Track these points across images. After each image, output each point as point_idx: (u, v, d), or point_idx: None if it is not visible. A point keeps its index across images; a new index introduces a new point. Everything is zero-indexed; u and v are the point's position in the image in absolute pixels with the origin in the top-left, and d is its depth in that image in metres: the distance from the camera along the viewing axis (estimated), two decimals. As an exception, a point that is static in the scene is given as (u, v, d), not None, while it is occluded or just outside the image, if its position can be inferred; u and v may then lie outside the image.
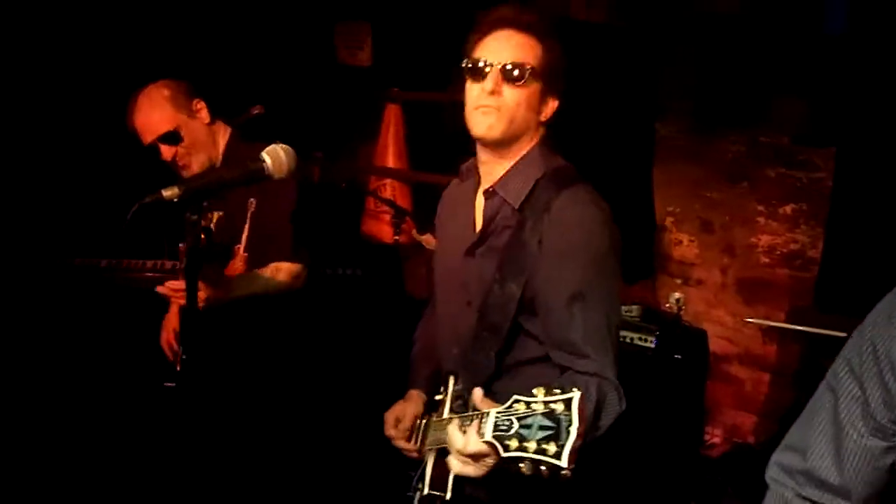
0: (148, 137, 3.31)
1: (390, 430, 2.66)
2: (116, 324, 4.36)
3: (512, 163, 2.38)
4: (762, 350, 4.88)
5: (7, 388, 4.32)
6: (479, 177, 2.49)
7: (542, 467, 1.70)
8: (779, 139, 4.77)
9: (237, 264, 3.30)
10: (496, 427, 1.80)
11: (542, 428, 1.74)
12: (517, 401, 1.80)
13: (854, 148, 4.47)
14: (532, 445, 1.72)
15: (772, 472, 1.75)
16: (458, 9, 4.52)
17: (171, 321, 3.56)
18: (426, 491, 2.39)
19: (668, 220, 5.17)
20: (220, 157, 3.46)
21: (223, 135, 3.49)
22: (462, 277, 2.46)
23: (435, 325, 2.69)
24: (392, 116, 5.31)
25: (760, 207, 4.86)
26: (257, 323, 3.41)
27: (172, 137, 3.31)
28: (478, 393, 2.05)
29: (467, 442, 1.91)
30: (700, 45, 4.80)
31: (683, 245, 5.15)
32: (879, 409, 1.53)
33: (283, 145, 2.13)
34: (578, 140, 4.27)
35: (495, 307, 2.31)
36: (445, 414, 2.43)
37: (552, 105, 2.37)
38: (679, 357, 4.06)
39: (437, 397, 2.51)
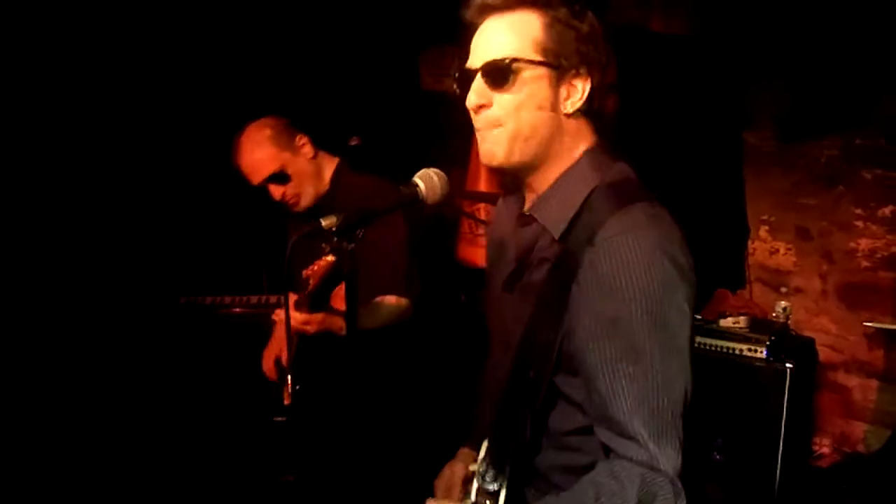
0: (256, 179, 3.43)
1: (439, 496, 2.34)
2: (224, 359, 4.48)
3: (555, 175, 1.96)
4: (868, 356, 4.88)
5: (122, 426, 4.47)
6: (523, 194, 2.10)
7: None
8: (874, 140, 4.79)
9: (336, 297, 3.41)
10: None
11: None
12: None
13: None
14: None
15: None
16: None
17: (275, 348, 3.64)
18: None
19: (763, 229, 5.20)
20: (327, 188, 3.56)
21: (329, 166, 3.60)
22: (502, 315, 2.13)
23: (488, 374, 2.36)
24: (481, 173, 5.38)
25: (858, 211, 4.87)
26: (367, 352, 3.52)
27: (280, 177, 3.41)
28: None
29: None
30: (785, 50, 4.84)
31: (780, 253, 5.17)
32: None
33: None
34: (664, 155, 4.37)
35: (529, 360, 1.90)
36: (472, 497, 2.05)
37: (580, 88, 1.91)
38: (791, 366, 4.05)
39: (472, 468, 2.13)
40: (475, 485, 2.02)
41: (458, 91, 1.95)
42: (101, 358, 4.50)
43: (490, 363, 2.32)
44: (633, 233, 1.78)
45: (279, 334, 3.64)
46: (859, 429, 4.93)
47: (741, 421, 4.17)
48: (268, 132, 3.47)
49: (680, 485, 1.75)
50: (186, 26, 4.72)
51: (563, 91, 1.90)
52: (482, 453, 2.04)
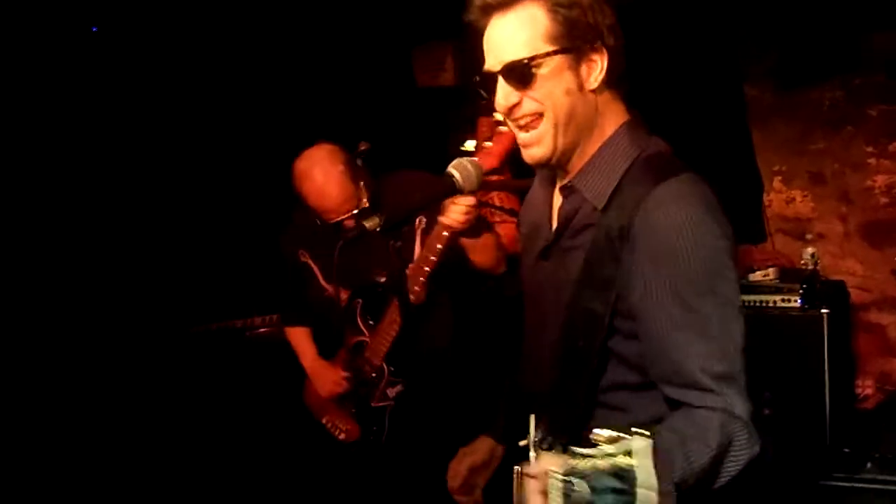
0: (333, 217, 3.52)
1: (450, 483, 2.52)
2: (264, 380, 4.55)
3: (592, 151, 2.02)
4: (899, 291, 4.92)
5: (151, 455, 4.53)
6: (556, 174, 2.15)
7: None
8: (874, 77, 4.84)
9: (415, 285, 3.44)
10: (567, 498, 1.43)
11: (614, 491, 1.38)
12: (577, 455, 1.44)
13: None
14: None
15: None
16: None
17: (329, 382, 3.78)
18: None
19: (777, 180, 5.25)
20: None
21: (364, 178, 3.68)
22: (537, 287, 2.19)
23: (523, 356, 2.36)
24: (486, 128, 5.42)
25: (869, 149, 4.93)
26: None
27: (363, 213, 3.45)
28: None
29: None
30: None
31: (797, 202, 5.21)
32: None
33: (469, 158, 2.21)
34: (667, 116, 4.40)
35: (578, 329, 1.97)
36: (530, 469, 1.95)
37: (599, 63, 1.96)
38: (827, 311, 4.09)
39: (522, 443, 1.96)
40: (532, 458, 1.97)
41: (485, 95, 2.00)
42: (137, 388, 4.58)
43: (526, 334, 2.33)
44: (681, 201, 1.87)
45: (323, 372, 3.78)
46: (899, 365, 4.98)
47: (784, 372, 4.19)
48: (340, 168, 3.56)
49: (754, 429, 1.83)
50: (184, 35, 4.79)
51: (584, 69, 1.95)
52: (532, 427, 1.94)
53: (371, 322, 3.66)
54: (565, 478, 1.41)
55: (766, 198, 5.26)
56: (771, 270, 4.43)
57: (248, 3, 4.85)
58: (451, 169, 2.17)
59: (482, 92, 2.01)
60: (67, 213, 4.64)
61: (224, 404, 4.74)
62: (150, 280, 4.88)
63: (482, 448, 2.52)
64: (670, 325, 1.85)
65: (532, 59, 1.89)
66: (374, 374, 3.64)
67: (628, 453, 1.37)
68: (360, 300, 3.68)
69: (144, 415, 4.67)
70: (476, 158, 2.23)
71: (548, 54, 1.90)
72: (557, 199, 2.13)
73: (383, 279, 3.54)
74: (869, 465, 3.75)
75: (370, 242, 3.31)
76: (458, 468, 2.53)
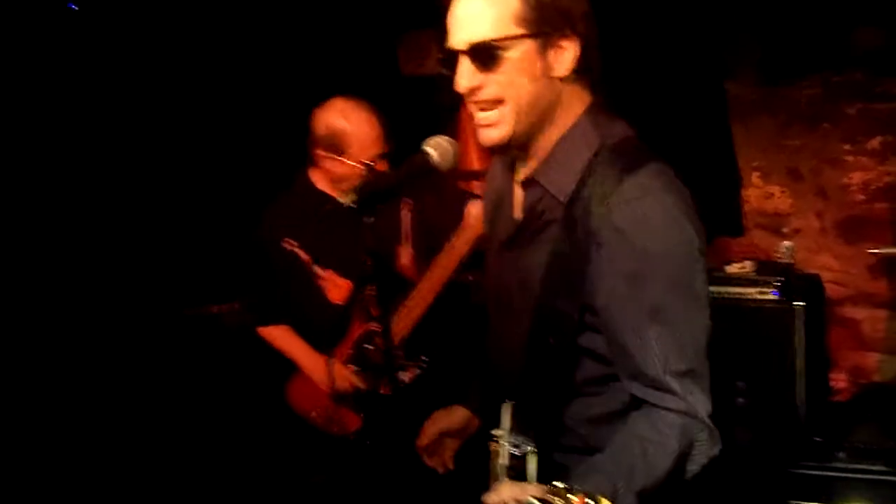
0: (372, 152, 3.46)
1: (418, 440, 2.58)
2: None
3: (554, 139, 1.99)
4: (873, 287, 5.03)
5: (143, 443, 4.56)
6: (518, 157, 2.11)
7: None
8: (852, 75, 4.92)
9: (404, 262, 3.48)
10: None
11: None
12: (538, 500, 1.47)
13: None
14: None
15: None
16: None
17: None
18: None
19: (755, 175, 5.33)
20: None
21: None
22: (503, 278, 2.16)
23: (489, 338, 2.36)
24: (468, 117, 5.44)
25: (846, 146, 5.01)
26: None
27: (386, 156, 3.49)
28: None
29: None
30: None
31: (775, 197, 5.29)
32: None
33: (444, 136, 2.15)
34: (648, 111, 4.48)
35: (548, 327, 1.95)
36: (502, 461, 2.00)
37: (570, 50, 1.91)
38: (802, 304, 4.18)
39: (495, 432, 2.11)
40: (502, 452, 2.02)
41: (445, 72, 1.95)
42: (122, 376, 4.61)
43: (491, 324, 2.32)
44: (651, 195, 1.86)
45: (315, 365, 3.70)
46: (872, 359, 5.07)
47: (759, 364, 4.29)
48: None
49: (715, 429, 1.88)
50: (164, 24, 4.84)
51: (551, 56, 1.90)
52: (504, 420, 2.06)
53: (386, 308, 3.63)
54: None
55: (744, 193, 5.34)
56: (748, 263, 4.52)
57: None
58: (426, 147, 2.12)
59: (443, 70, 1.96)
60: (55, 202, 4.66)
61: (210, 392, 4.76)
62: (135, 265, 4.90)
63: (457, 415, 2.54)
64: (636, 321, 1.86)
65: (500, 40, 1.84)
66: (385, 362, 3.61)
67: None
68: (375, 285, 3.62)
69: (133, 402, 4.69)
70: (449, 137, 2.16)
71: (517, 37, 1.85)
72: (518, 188, 2.11)
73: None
74: (841, 454, 3.83)
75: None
76: (430, 429, 2.57)
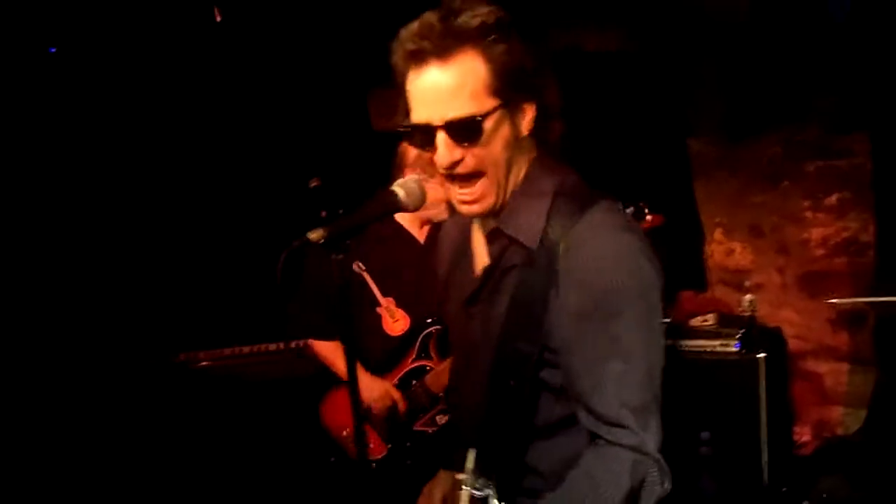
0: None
1: None
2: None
3: (510, 191, 2.02)
4: (834, 341, 5.12)
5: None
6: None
7: None
8: (811, 134, 5.08)
9: (394, 322, 3.53)
10: None
11: None
12: None
13: (885, 128, 4.79)
14: None
15: None
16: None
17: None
18: None
19: (718, 232, 5.45)
20: None
21: None
22: (465, 332, 2.19)
23: (456, 389, 2.39)
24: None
25: (806, 203, 5.15)
26: None
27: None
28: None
29: None
30: (717, 57, 5.13)
31: (737, 253, 5.41)
32: None
33: (413, 176, 2.13)
34: (612, 171, 4.60)
35: (508, 368, 1.98)
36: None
37: (529, 112, 1.97)
38: (764, 355, 4.26)
39: (458, 476, 2.13)
40: (464, 496, 2.05)
41: (419, 146, 1.96)
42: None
43: (455, 378, 2.38)
44: (603, 233, 1.92)
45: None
46: (836, 412, 5.14)
47: (723, 415, 4.36)
48: None
49: (665, 464, 1.89)
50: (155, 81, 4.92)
51: (518, 119, 1.96)
52: (469, 462, 2.08)
53: (441, 351, 3.72)
54: None
55: (707, 248, 5.46)
56: (710, 316, 4.61)
57: (209, 48, 4.99)
58: (395, 187, 2.10)
59: (416, 144, 1.97)
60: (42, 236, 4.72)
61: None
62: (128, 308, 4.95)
63: (447, 478, 2.45)
64: (590, 361, 1.89)
65: (481, 116, 1.87)
66: (428, 401, 3.71)
67: None
68: (439, 327, 3.70)
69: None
70: (417, 177, 2.20)
71: (492, 111, 1.89)
72: (479, 241, 2.14)
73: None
74: (805, 502, 3.88)
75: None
76: (431, 501, 2.46)
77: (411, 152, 3.52)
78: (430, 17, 1.90)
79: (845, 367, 5.10)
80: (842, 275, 5.04)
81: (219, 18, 4.29)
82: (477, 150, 1.91)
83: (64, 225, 4.79)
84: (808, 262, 5.18)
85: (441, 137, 1.89)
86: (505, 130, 1.93)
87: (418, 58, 1.88)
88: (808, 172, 5.12)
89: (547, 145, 2.06)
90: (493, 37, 1.87)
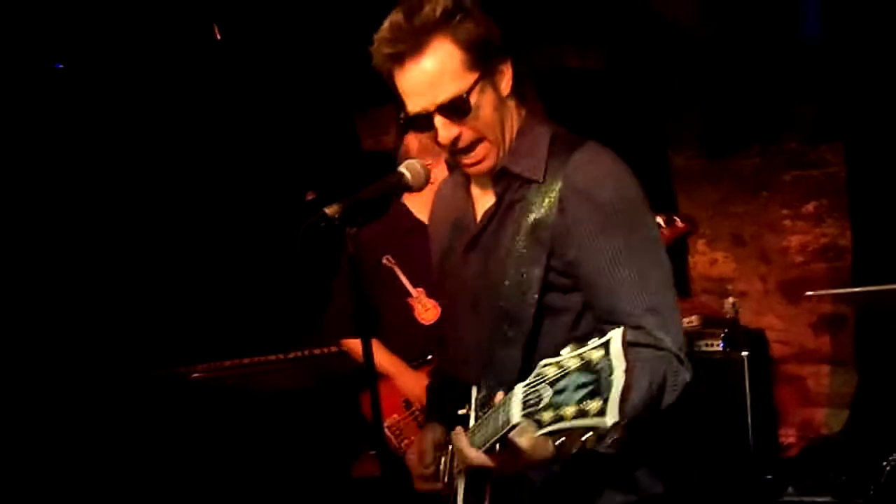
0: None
1: (415, 470, 2.45)
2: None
3: (510, 137, 2.21)
4: (816, 344, 5.31)
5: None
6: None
7: (587, 436, 1.47)
8: (788, 144, 5.30)
9: (425, 311, 3.73)
10: (525, 404, 1.59)
11: (580, 386, 1.49)
12: (546, 365, 1.58)
13: (859, 138, 5.01)
14: (570, 410, 1.48)
15: None
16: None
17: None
18: None
19: (700, 242, 5.64)
20: None
21: None
22: (464, 278, 2.32)
23: (449, 347, 2.49)
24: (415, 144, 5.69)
25: (785, 211, 5.36)
26: None
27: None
28: (499, 396, 1.89)
29: (464, 453, 1.90)
30: (696, 72, 5.35)
31: (720, 262, 5.60)
32: None
33: (417, 160, 2.44)
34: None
35: (514, 296, 2.12)
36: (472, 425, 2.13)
37: (507, 72, 2.16)
38: (747, 353, 4.43)
39: (461, 412, 2.21)
40: (472, 418, 2.13)
41: (421, 130, 2.19)
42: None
43: (451, 331, 2.46)
44: (599, 158, 2.13)
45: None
46: (819, 414, 5.32)
47: (710, 413, 4.50)
48: None
49: (685, 357, 2.02)
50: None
51: (498, 81, 2.14)
52: (473, 396, 2.18)
53: None
54: (526, 387, 1.59)
55: (690, 259, 5.65)
56: (694, 318, 4.79)
57: (202, 70, 5.18)
58: (402, 168, 2.29)
59: (418, 130, 2.21)
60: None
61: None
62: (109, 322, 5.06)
63: (436, 428, 2.46)
64: (605, 266, 2.05)
65: (466, 92, 2.06)
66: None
67: (601, 346, 1.50)
68: None
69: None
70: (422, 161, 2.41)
71: (473, 85, 2.07)
72: (477, 192, 2.31)
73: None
74: (790, 489, 4.03)
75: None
76: (427, 453, 2.44)
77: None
78: (396, 17, 2.08)
79: (827, 369, 5.29)
80: (821, 280, 5.23)
81: (219, 36, 4.45)
82: (471, 122, 2.09)
83: (56, 235, 4.91)
84: (789, 268, 5.38)
85: (438, 120, 2.08)
86: (490, 96, 2.11)
87: (397, 58, 2.07)
88: (786, 182, 5.35)
89: (530, 104, 2.25)
90: (456, 19, 2.06)
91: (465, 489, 2.13)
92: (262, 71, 5.34)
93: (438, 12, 2.05)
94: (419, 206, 3.78)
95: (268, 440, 4.87)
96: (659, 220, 3.71)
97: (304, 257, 2.32)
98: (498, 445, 1.81)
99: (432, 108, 2.08)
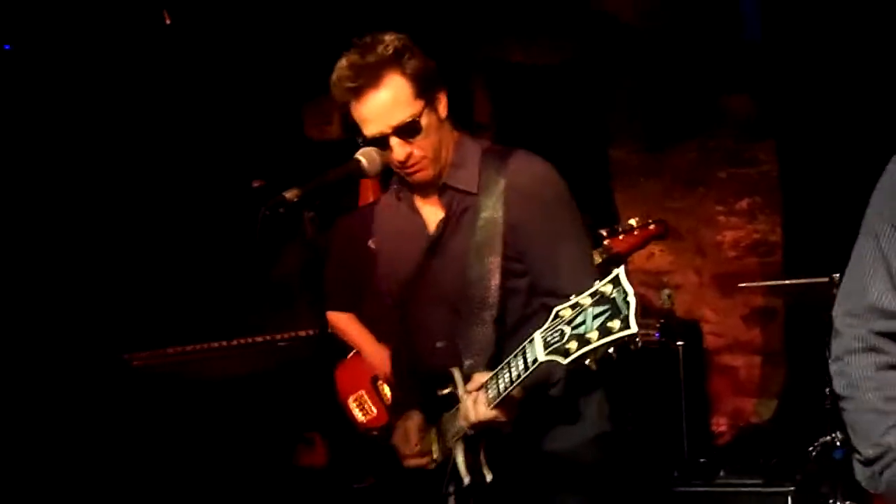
0: None
1: (403, 451, 2.68)
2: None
3: (448, 156, 2.54)
4: (748, 336, 5.51)
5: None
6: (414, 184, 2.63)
7: (611, 349, 1.84)
8: (724, 142, 5.49)
9: None
10: (547, 344, 1.98)
11: (597, 316, 1.85)
12: (560, 310, 1.95)
13: (790, 137, 5.21)
14: (594, 335, 1.84)
15: (839, 322, 1.89)
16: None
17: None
18: (466, 481, 2.43)
19: (638, 235, 5.78)
20: None
21: None
22: (428, 278, 2.61)
23: (410, 344, 2.78)
24: (369, 187, 5.78)
25: (720, 207, 5.56)
26: None
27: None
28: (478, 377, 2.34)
29: (477, 412, 2.27)
30: (636, 69, 5.51)
31: (656, 256, 5.76)
32: None
33: (373, 147, 2.60)
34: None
35: (479, 283, 2.48)
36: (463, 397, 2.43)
37: (443, 98, 2.51)
38: (682, 344, 4.60)
39: (444, 392, 2.52)
40: (461, 391, 2.41)
41: (382, 149, 2.45)
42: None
43: (415, 326, 2.73)
44: (538, 163, 2.53)
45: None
46: (750, 403, 5.52)
47: (645, 400, 4.68)
48: None
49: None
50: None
51: (437, 106, 2.50)
52: (457, 374, 2.45)
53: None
54: (544, 332, 1.95)
55: (627, 252, 5.80)
56: (633, 308, 4.92)
57: (149, 57, 5.20)
58: (358, 155, 2.52)
59: (379, 150, 2.46)
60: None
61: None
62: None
63: (416, 414, 2.70)
64: (549, 249, 2.45)
65: (415, 116, 2.42)
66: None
67: (610, 282, 1.85)
68: None
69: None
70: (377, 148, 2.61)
71: (420, 111, 2.43)
72: (423, 206, 2.63)
73: None
74: (722, 472, 4.19)
75: None
76: (413, 434, 2.68)
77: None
78: (353, 57, 2.43)
79: (758, 359, 5.50)
80: (753, 274, 5.42)
81: (168, 21, 4.49)
82: (420, 141, 2.45)
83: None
84: (723, 262, 5.57)
85: (394, 140, 2.43)
86: (433, 119, 2.48)
87: (356, 91, 2.41)
88: (722, 179, 5.54)
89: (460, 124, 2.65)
90: (404, 56, 2.43)
91: (464, 452, 2.43)
92: (207, 60, 5.39)
93: (390, 50, 2.42)
94: None
95: (213, 428, 4.90)
96: (632, 222, 4.02)
97: (262, 241, 2.45)
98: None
99: (388, 130, 2.42)
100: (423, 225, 2.64)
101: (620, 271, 1.86)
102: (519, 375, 2.15)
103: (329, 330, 4.02)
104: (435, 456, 2.62)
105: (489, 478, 2.40)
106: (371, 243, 3.95)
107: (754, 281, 5.35)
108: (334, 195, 2.49)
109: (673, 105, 5.48)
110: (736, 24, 5.24)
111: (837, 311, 1.91)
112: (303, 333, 4.59)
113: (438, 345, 2.60)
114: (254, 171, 5.21)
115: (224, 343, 4.80)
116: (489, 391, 2.30)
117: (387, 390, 3.98)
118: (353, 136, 2.53)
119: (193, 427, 4.90)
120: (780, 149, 5.34)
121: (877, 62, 4.66)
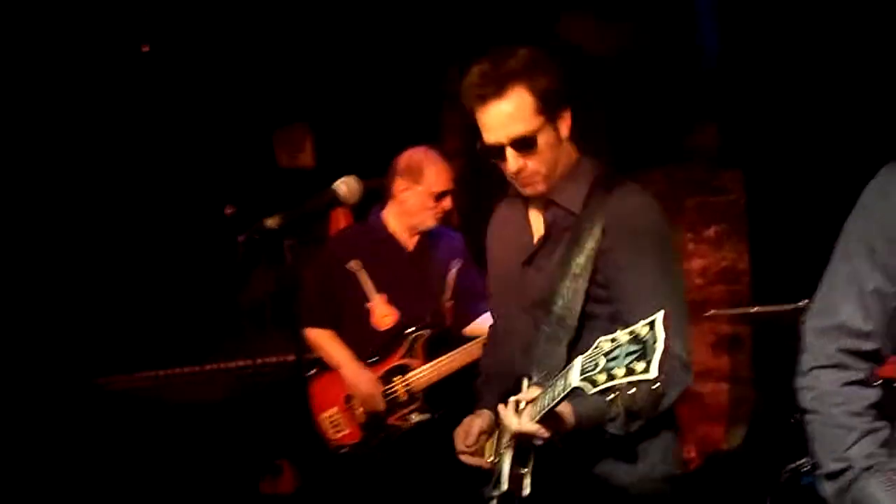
0: (443, 186, 4.07)
1: (459, 446, 2.81)
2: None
3: (561, 174, 2.61)
4: (716, 363, 5.58)
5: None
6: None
7: (633, 390, 1.91)
8: (693, 171, 5.57)
9: (383, 317, 4.08)
10: (583, 370, 2.05)
11: (629, 354, 1.92)
12: (602, 341, 2.03)
13: (756, 166, 5.31)
14: (621, 372, 1.91)
15: (810, 337, 1.96)
16: (395, 98, 5.28)
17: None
18: (503, 488, 2.53)
19: (607, 263, 5.84)
20: None
21: None
22: (522, 287, 2.72)
23: (498, 347, 2.93)
24: (340, 216, 5.81)
25: (688, 235, 5.65)
26: None
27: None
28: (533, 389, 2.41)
29: (521, 423, 2.34)
30: (603, 97, 5.59)
31: (625, 283, 5.81)
32: (888, 259, 1.87)
33: (353, 176, 2.67)
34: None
35: (563, 304, 2.54)
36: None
37: (566, 118, 2.60)
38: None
39: (513, 399, 2.57)
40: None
41: (492, 159, 2.58)
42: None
43: (493, 347, 2.96)
44: (636, 195, 2.61)
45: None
46: (718, 430, 5.57)
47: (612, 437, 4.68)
48: (446, 159, 4.14)
49: (689, 364, 2.56)
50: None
51: (559, 125, 2.58)
52: (524, 385, 2.55)
53: (428, 353, 4.07)
54: (585, 359, 2.03)
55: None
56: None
57: (122, 83, 5.23)
58: (336, 184, 2.64)
59: (489, 158, 2.59)
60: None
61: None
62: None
63: (485, 415, 2.82)
64: (636, 280, 2.50)
65: (534, 131, 2.50)
66: (408, 397, 4.01)
67: (647, 324, 1.92)
68: (429, 330, 4.09)
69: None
70: (356, 177, 2.67)
71: (541, 127, 2.51)
72: (535, 215, 2.72)
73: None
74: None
75: (429, 267, 4.10)
76: (473, 430, 2.80)
77: (402, 163, 4.07)
78: (485, 66, 2.53)
79: (726, 386, 5.56)
80: (720, 301, 5.50)
81: (146, 49, 4.53)
82: (536, 158, 2.54)
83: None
84: (690, 290, 5.60)
85: (509, 152, 2.52)
86: (552, 137, 2.55)
87: (483, 99, 2.51)
88: (689, 207, 5.62)
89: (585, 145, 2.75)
90: (533, 71, 2.50)
91: (513, 459, 2.51)
92: (179, 87, 5.43)
93: (521, 64, 2.51)
94: (395, 221, 4.17)
95: (180, 453, 4.90)
96: None
97: (243, 266, 2.51)
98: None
99: (506, 141, 2.51)
100: (530, 235, 2.74)
101: (659, 316, 1.91)
102: (558, 395, 2.21)
103: (306, 352, 4.04)
104: (487, 457, 2.73)
105: (526, 492, 2.45)
106: (350, 265, 4.10)
107: (721, 308, 5.44)
108: (308, 223, 2.56)
109: (639, 134, 5.56)
110: (695, 55, 5.35)
111: (808, 326, 1.98)
112: (273, 359, 4.64)
113: (522, 358, 2.67)
114: (225, 197, 5.24)
115: (196, 368, 4.84)
116: (536, 405, 2.36)
117: (361, 410, 4.02)
118: (472, 143, 2.65)
119: (165, 451, 4.91)
120: (747, 177, 5.44)
121: (840, 92, 4.75)
